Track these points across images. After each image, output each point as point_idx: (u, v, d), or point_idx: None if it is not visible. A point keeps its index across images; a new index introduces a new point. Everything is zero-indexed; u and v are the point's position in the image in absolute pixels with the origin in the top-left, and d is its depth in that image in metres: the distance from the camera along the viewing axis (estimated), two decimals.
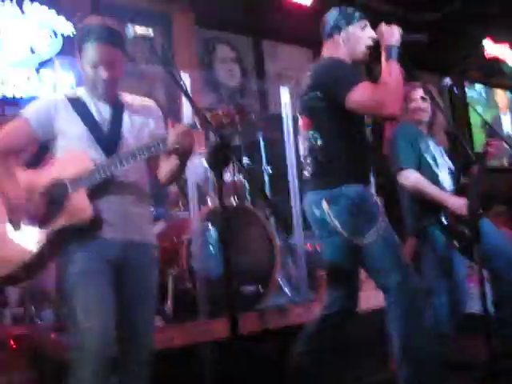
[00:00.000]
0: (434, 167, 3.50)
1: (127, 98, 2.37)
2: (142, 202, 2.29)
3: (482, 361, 2.71)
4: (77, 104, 2.24)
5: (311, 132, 2.76)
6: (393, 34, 2.59)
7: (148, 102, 2.43)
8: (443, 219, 3.32)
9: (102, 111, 2.25)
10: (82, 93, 2.28)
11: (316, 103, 2.68)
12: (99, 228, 2.13)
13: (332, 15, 2.83)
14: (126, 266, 2.19)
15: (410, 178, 3.39)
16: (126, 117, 2.29)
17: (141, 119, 2.33)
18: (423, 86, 3.56)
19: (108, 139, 2.22)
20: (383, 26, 2.64)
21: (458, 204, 3.31)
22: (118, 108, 2.30)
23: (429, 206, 3.43)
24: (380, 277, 2.68)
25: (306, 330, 2.87)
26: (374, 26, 2.73)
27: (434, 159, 3.53)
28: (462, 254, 3.39)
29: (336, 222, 2.65)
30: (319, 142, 2.73)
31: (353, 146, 2.68)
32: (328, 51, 2.81)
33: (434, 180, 3.44)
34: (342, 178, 2.67)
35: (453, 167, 3.59)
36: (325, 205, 2.68)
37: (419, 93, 3.60)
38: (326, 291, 2.86)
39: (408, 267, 2.64)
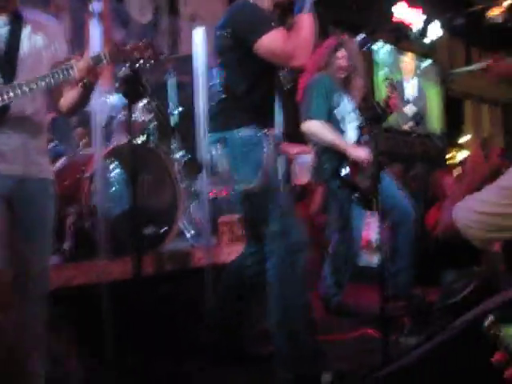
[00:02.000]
0: (342, 123, 3.60)
1: (29, 12, 2.18)
2: (39, 135, 2.17)
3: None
4: None
5: (218, 70, 2.74)
6: None
7: (52, 19, 2.27)
8: (343, 171, 3.42)
9: None
10: None
11: (224, 41, 2.64)
12: None
13: None
14: (20, 200, 2.09)
15: (319, 127, 3.48)
16: (26, 34, 2.11)
17: (43, 38, 2.16)
18: (348, 41, 3.62)
19: (4, 62, 2.04)
20: None
21: (359, 153, 3.42)
22: (16, 22, 2.10)
23: (331, 159, 3.53)
24: (258, 226, 2.70)
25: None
26: None
27: (344, 115, 3.63)
28: (360, 205, 3.53)
29: (226, 166, 2.68)
30: (220, 82, 2.72)
31: (257, 88, 2.65)
32: None
33: (341, 135, 3.54)
34: (239, 119, 2.66)
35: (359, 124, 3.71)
36: (217, 147, 2.70)
37: (343, 52, 3.66)
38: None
39: (288, 217, 2.64)
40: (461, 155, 11.23)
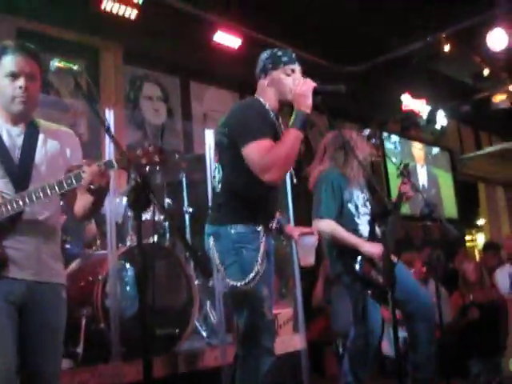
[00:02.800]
0: (356, 216, 3.61)
1: (43, 123, 2.28)
2: (52, 240, 2.20)
3: None
4: None
5: (216, 165, 2.79)
6: (305, 98, 2.57)
7: (66, 129, 2.37)
8: (357, 267, 3.40)
9: (13, 135, 2.16)
10: None
11: (222, 139, 2.70)
12: (4, 267, 2.03)
13: (262, 58, 2.85)
14: (31, 306, 2.09)
15: (327, 226, 3.49)
16: (40, 142, 2.20)
17: (56, 145, 2.24)
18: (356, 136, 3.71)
19: (19, 170, 2.12)
20: (298, 80, 2.65)
21: (373, 249, 3.41)
22: (31, 132, 2.20)
23: (344, 254, 3.52)
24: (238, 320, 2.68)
25: None
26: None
27: (357, 208, 3.65)
28: (375, 300, 3.48)
29: (218, 261, 2.66)
30: (218, 177, 2.75)
31: (254, 185, 2.61)
32: (257, 92, 2.86)
33: (354, 228, 3.54)
34: (232, 216, 2.67)
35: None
36: (211, 241, 2.70)
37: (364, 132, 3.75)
38: None
39: (260, 321, 2.59)
40: (480, 238, 11.16)
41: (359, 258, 3.44)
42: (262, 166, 2.53)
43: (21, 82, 2.10)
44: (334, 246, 3.58)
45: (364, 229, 3.60)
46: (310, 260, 2.75)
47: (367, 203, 3.72)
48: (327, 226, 3.50)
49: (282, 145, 2.55)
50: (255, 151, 2.55)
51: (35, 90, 2.17)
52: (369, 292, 3.40)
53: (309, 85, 2.60)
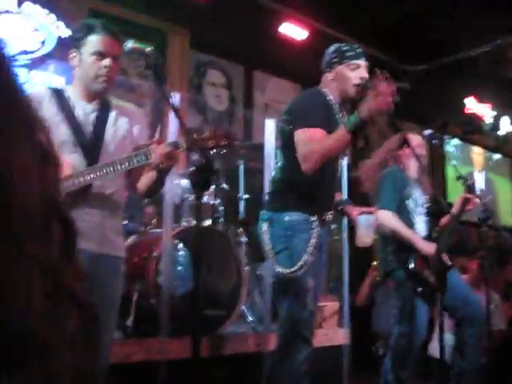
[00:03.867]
0: (413, 214, 3.60)
1: (115, 101, 2.37)
2: (116, 214, 2.30)
3: None
4: (62, 102, 2.23)
5: (277, 151, 2.85)
6: (376, 114, 2.53)
7: (136, 108, 2.46)
8: (411, 263, 3.40)
9: (87, 112, 2.25)
10: (69, 90, 2.28)
11: (283, 125, 2.76)
12: None
13: (329, 52, 2.88)
14: (93, 276, 2.16)
15: (388, 217, 3.50)
16: (111, 120, 2.29)
17: (126, 124, 2.33)
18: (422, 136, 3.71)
19: (90, 144, 2.21)
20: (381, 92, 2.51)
21: (428, 248, 3.39)
22: (104, 110, 2.29)
23: (399, 249, 3.52)
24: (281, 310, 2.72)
25: None
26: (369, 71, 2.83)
27: (416, 206, 3.65)
28: (423, 299, 3.46)
29: (269, 246, 2.70)
30: (279, 163, 2.80)
31: (313, 174, 2.62)
32: (321, 85, 2.89)
33: (411, 226, 3.54)
34: (286, 203, 2.70)
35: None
36: (265, 226, 2.74)
37: (419, 142, 3.74)
38: None
39: (302, 311, 2.63)
40: None
41: (414, 254, 3.44)
42: (302, 155, 2.59)
43: (107, 61, 2.19)
44: (390, 241, 3.59)
45: (420, 228, 3.59)
46: (367, 240, 2.74)
47: (425, 204, 3.71)
48: (387, 216, 3.51)
49: (325, 140, 2.58)
50: (302, 138, 2.61)
51: (116, 71, 2.26)
52: (419, 289, 3.38)
53: (387, 103, 2.52)
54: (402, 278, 3.54)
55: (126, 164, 2.12)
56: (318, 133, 2.60)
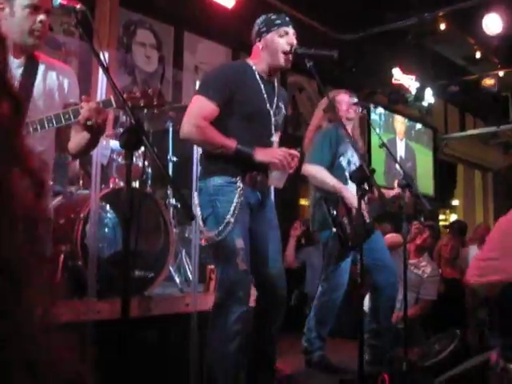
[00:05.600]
0: (346, 171, 3.71)
1: (44, 57, 2.30)
2: None
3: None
4: None
5: None
6: (264, 158, 2.73)
7: (66, 65, 2.40)
8: (333, 209, 3.52)
9: (13, 66, 2.16)
10: None
11: None
12: None
13: (257, 22, 2.95)
14: None
15: (315, 169, 3.61)
16: (39, 76, 2.22)
17: (55, 81, 2.27)
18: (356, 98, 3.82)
19: None
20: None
21: (353, 198, 3.50)
22: (32, 65, 2.22)
23: (326, 201, 3.63)
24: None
25: None
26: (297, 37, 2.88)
27: (349, 164, 3.77)
28: (340, 243, 3.59)
29: (198, 214, 2.80)
30: None
31: (232, 137, 2.75)
32: (251, 56, 2.95)
33: (343, 182, 3.64)
34: (209, 168, 2.81)
35: None
36: (195, 196, 2.87)
37: (352, 100, 3.85)
38: None
39: (235, 269, 2.71)
40: (454, 218, 11.40)
41: (336, 200, 3.57)
42: (184, 120, 2.75)
43: (41, 16, 2.11)
44: (316, 203, 3.70)
45: (352, 185, 3.68)
46: (279, 183, 2.82)
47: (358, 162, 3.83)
48: (316, 170, 3.63)
49: (211, 132, 2.72)
50: (193, 104, 2.79)
51: (48, 26, 2.19)
52: (335, 232, 3.52)
53: (283, 165, 2.70)
54: (326, 236, 3.67)
55: (54, 122, 2.07)
56: (207, 106, 2.75)
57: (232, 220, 2.70)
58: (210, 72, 2.99)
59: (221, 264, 2.79)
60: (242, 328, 2.69)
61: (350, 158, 3.80)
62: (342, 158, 3.76)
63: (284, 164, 2.67)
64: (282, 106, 3.00)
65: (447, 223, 10.67)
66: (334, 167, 3.71)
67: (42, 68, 2.24)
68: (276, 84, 2.99)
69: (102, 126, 2.11)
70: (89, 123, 2.05)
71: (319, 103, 4.08)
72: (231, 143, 2.71)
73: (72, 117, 2.07)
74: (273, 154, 2.71)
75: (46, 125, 2.07)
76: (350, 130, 3.79)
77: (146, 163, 3.85)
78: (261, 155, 2.70)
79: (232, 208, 2.72)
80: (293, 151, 2.73)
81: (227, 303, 2.70)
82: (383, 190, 4.02)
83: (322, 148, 3.71)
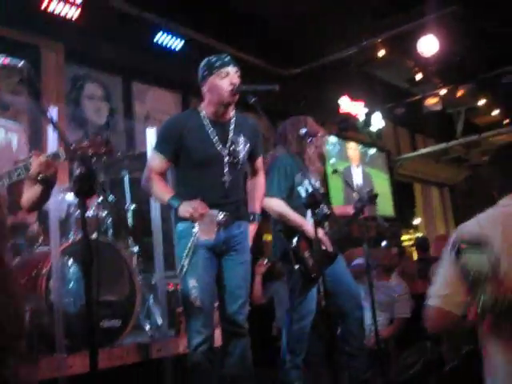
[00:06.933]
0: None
1: None
2: None
3: None
4: None
5: None
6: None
7: (12, 122, 2.39)
8: (294, 242, 3.57)
9: None
10: None
11: None
12: None
13: (200, 66, 3.07)
14: None
15: (274, 204, 3.66)
16: None
17: (3, 139, 2.27)
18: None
19: None
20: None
21: (312, 231, 3.55)
22: None
23: (287, 233, 3.68)
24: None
25: None
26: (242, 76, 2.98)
27: (307, 192, 3.81)
28: (302, 279, 3.63)
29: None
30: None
31: (181, 182, 3.06)
32: (202, 99, 3.07)
33: (303, 211, 3.69)
34: (177, 214, 2.94)
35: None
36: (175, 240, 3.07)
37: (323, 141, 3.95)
38: None
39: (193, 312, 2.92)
40: (417, 236, 11.59)
41: (298, 235, 3.61)
42: (144, 173, 3.05)
43: None
44: (279, 226, 3.75)
45: (310, 214, 3.73)
46: (209, 234, 2.91)
47: (319, 186, 3.90)
48: (276, 204, 3.68)
49: (155, 184, 3.00)
50: (149, 159, 3.14)
51: None
52: (298, 268, 3.56)
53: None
54: (289, 269, 3.71)
55: (7, 179, 2.08)
56: (157, 160, 3.03)
57: (185, 263, 2.92)
58: (160, 126, 3.19)
59: (181, 302, 3.03)
60: (202, 358, 2.89)
61: (307, 187, 3.84)
62: (300, 188, 3.80)
63: (194, 217, 2.82)
64: (243, 140, 3.08)
65: (411, 242, 10.85)
66: (292, 197, 3.75)
67: None
68: (233, 120, 3.07)
69: (53, 178, 2.13)
70: (40, 177, 2.06)
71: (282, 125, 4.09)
72: (165, 196, 2.94)
73: (23, 173, 2.08)
74: (186, 208, 2.84)
75: None
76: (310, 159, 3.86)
77: (105, 213, 3.85)
78: (181, 209, 2.85)
79: (185, 252, 2.92)
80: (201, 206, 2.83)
81: (189, 334, 2.96)
82: (342, 208, 4.14)
83: (276, 178, 3.76)
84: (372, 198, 3.94)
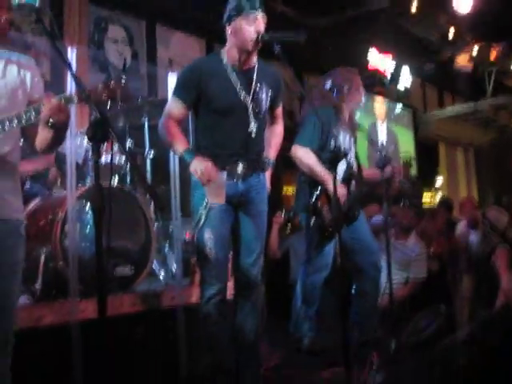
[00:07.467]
0: None
1: (2, 51, 2.20)
2: (12, 175, 2.17)
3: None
4: None
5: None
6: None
7: (27, 57, 2.27)
8: (314, 197, 3.51)
9: None
10: None
11: None
12: None
13: (227, 5, 2.90)
14: None
15: (303, 154, 3.58)
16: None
17: (17, 76, 2.17)
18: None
19: None
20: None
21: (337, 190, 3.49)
22: None
23: (310, 186, 3.61)
24: None
25: None
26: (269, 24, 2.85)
27: (339, 148, 3.71)
28: (319, 232, 3.59)
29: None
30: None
31: (203, 129, 2.94)
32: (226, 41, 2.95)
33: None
34: None
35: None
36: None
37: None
38: None
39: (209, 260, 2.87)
40: (438, 197, 11.46)
41: (321, 188, 3.54)
42: (161, 119, 2.95)
43: None
44: (300, 186, 3.69)
45: (341, 169, 3.64)
46: (218, 198, 2.84)
47: (351, 148, 3.81)
48: (304, 154, 3.59)
49: (168, 131, 2.89)
50: (167, 104, 2.98)
51: (6, 24, 2.12)
52: (314, 221, 3.52)
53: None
54: (307, 219, 3.66)
55: (16, 121, 2.01)
56: (175, 106, 2.92)
57: (203, 214, 2.84)
58: (180, 70, 3.04)
59: (197, 254, 2.97)
60: (214, 310, 2.89)
61: (342, 142, 3.73)
62: (332, 142, 3.70)
63: (203, 181, 2.74)
64: (265, 88, 2.96)
65: (433, 203, 10.73)
66: (324, 150, 3.65)
67: (0, 66, 2.17)
68: (256, 67, 2.95)
69: (65, 123, 2.06)
70: (50, 122, 2.00)
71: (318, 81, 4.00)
72: (179, 147, 2.83)
73: (33, 116, 2.01)
74: (197, 167, 2.74)
75: (7, 125, 2.01)
76: (346, 115, 3.76)
77: (124, 160, 3.81)
78: (192, 166, 2.76)
79: (203, 204, 2.84)
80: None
81: (202, 286, 2.94)
82: (372, 171, 4.03)
83: (310, 129, 3.66)
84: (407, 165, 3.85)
